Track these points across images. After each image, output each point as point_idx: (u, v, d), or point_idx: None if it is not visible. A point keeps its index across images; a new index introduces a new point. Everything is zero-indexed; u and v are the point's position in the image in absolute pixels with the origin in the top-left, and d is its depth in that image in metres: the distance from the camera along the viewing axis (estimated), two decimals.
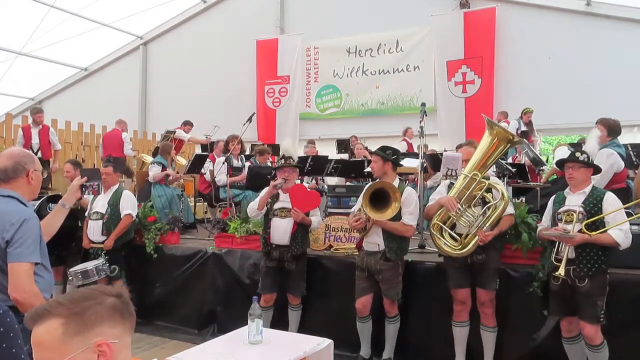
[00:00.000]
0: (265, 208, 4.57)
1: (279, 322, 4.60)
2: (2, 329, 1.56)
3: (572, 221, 3.48)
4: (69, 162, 5.86)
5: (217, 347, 3.10)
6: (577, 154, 3.60)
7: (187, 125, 9.67)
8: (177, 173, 7.56)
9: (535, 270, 3.94)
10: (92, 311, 1.17)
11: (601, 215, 3.41)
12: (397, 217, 4.03)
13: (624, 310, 3.72)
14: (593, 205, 3.43)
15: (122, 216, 5.30)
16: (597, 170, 3.76)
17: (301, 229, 4.55)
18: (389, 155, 4.16)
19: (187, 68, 13.44)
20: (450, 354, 4.13)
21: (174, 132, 9.35)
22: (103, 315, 1.18)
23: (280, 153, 5.34)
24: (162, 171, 6.99)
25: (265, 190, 4.60)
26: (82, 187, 2.87)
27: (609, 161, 4.94)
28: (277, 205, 4.56)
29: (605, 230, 3.38)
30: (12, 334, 1.58)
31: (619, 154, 5.18)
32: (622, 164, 5.22)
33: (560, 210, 3.57)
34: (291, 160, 4.70)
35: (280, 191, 4.60)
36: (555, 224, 3.59)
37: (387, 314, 4.23)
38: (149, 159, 8.30)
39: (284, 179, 4.55)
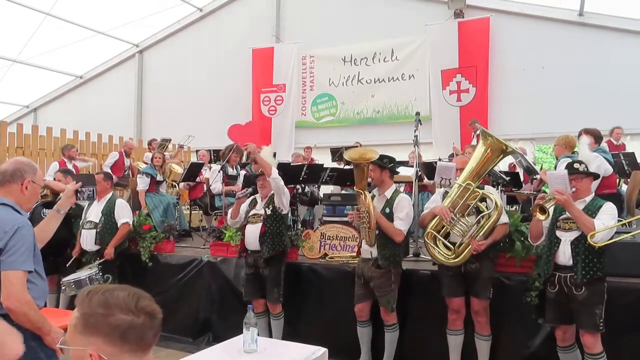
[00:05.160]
0: (243, 216, 4.70)
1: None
2: None
3: (571, 229, 3.50)
4: (60, 171, 5.86)
5: (212, 356, 3.09)
6: (576, 165, 3.60)
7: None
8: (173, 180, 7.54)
9: (530, 278, 3.95)
10: (94, 320, 1.20)
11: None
12: (390, 219, 4.11)
13: (621, 319, 3.73)
14: (591, 213, 3.44)
15: (119, 225, 5.30)
16: (596, 177, 3.80)
17: (270, 231, 4.56)
18: (386, 164, 4.21)
19: (183, 76, 13.47)
20: None
21: (170, 140, 9.34)
22: (101, 330, 1.20)
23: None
24: (151, 181, 6.96)
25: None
26: (77, 192, 2.88)
27: (596, 163, 5.04)
28: (251, 212, 4.67)
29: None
30: None
31: (606, 159, 5.30)
32: (610, 168, 5.33)
33: (560, 217, 3.59)
34: None
35: (259, 199, 4.70)
36: (554, 231, 3.61)
37: (384, 323, 4.24)
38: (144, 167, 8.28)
39: (252, 188, 4.70)
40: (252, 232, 4.60)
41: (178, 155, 9.94)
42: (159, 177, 7.17)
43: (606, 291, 3.45)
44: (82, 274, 4.93)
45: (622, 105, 9.15)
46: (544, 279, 3.64)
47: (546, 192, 3.97)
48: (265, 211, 4.58)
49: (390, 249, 4.11)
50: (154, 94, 14.14)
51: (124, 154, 8.43)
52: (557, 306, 3.55)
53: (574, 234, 3.47)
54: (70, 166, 7.89)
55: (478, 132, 8.49)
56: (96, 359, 1.19)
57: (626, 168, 5.97)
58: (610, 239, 3.35)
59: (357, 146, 9.47)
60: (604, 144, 6.94)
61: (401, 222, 4.10)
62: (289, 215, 5.04)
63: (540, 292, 3.78)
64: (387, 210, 4.14)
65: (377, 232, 4.07)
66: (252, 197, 4.79)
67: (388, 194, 4.23)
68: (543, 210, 3.49)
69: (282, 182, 4.61)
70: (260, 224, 4.56)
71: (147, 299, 1.28)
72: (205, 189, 7.50)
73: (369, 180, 4.19)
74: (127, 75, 14.49)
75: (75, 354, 1.22)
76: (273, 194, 4.63)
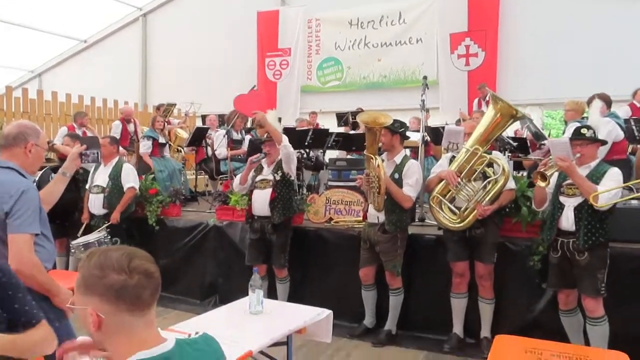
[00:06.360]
0: (250, 182, 4.64)
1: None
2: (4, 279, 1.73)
3: (574, 195, 3.47)
4: (68, 135, 5.83)
5: (219, 317, 3.13)
6: (584, 131, 3.53)
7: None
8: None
9: (535, 243, 3.94)
10: (91, 281, 1.25)
11: (601, 192, 3.36)
12: (399, 185, 4.08)
13: (626, 284, 3.73)
14: (596, 179, 3.40)
15: (125, 189, 5.31)
16: (603, 143, 3.75)
17: (280, 197, 4.54)
18: (397, 128, 4.15)
19: (187, 40, 13.26)
20: (449, 325, 4.18)
21: (175, 104, 9.26)
22: (96, 289, 1.24)
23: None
24: (153, 143, 7.03)
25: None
26: (82, 155, 2.85)
27: (607, 128, 4.98)
28: (259, 178, 4.61)
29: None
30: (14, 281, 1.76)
31: (618, 124, 5.21)
32: (621, 133, 5.27)
33: (564, 183, 3.55)
34: None
35: (265, 164, 4.64)
36: (557, 197, 3.57)
37: (389, 286, 4.28)
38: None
39: (264, 153, 4.60)
40: (261, 198, 4.56)
41: (186, 121, 9.91)
42: (161, 140, 7.18)
43: (609, 256, 3.45)
44: (91, 237, 4.97)
45: (633, 71, 8.93)
46: (547, 244, 3.64)
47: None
48: (275, 177, 4.55)
49: (397, 214, 4.10)
50: (159, 58, 13.98)
51: (125, 122, 8.28)
52: (559, 271, 3.56)
53: (577, 200, 3.45)
54: (79, 132, 7.88)
55: (487, 97, 8.37)
56: (94, 317, 1.23)
57: (636, 134, 5.85)
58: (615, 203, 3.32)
59: (360, 111, 9.41)
60: (626, 107, 6.81)
61: (411, 189, 4.08)
62: (295, 180, 5.02)
63: (543, 257, 3.78)
64: (396, 175, 4.11)
65: (385, 197, 4.05)
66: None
67: (398, 159, 4.19)
68: (544, 177, 3.47)
69: (292, 149, 4.59)
70: (270, 190, 4.52)
71: (141, 258, 1.29)
72: (205, 151, 7.49)
73: (379, 144, 4.14)
74: (131, 39, 14.29)
75: (80, 313, 1.27)
76: (280, 160, 4.59)
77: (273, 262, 4.64)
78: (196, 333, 1.44)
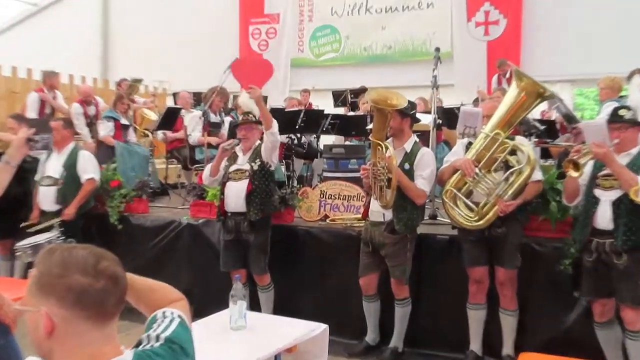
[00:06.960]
0: (222, 172, 4.60)
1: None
2: None
3: (612, 187, 3.46)
4: (12, 116, 5.76)
5: (195, 334, 3.10)
6: (622, 112, 3.54)
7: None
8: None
9: (566, 244, 3.95)
10: (50, 280, 1.24)
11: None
12: (410, 177, 4.07)
13: None
14: (637, 168, 3.40)
15: (82, 181, 5.29)
16: None
17: (258, 190, 4.51)
18: (408, 110, 4.12)
19: (157, 3, 13.13)
20: (465, 341, 4.19)
21: (141, 80, 9.18)
22: (54, 290, 1.23)
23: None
24: (115, 126, 7.04)
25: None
26: (30, 140, 2.80)
27: None
28: (232, 168, 4.57)
29: None
30: None
31: None
32: None
33: (599, 174, 3.55)
34: (250, 116, 4.63)
35: (240, 152, 4.62)
36: (592, 190, 3.57)
37: (395, 296, 4.28)
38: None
39: (238, 139, 4.58)
40: (236, 191, 4.51)
41: (154, 101, 9.84)
42: (124, 121, 7.19)
43: None
44: (40, 237, 4.91)
45: None
46: (580, 245, 3.64)
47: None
48: (252, 166, 4.51)
49: (408, 211, 4.08)
50: (123, 26, 13.87)
51: (85, 104, 8.14)
52: (594, 277, 3.57)
53: (615, 193, 3.45)
54: (50, 97, 7.82)
55: (508, 74, 8.36)
56: (46, 321, 1.22)
57: None
58: None
59: (362, 89, 9.39)
60: None
61: (424, 182, 4.08)
62: (282, 170, 4.99)
63: (575, 260, 3.79)
64: (407, 166, 4.10)
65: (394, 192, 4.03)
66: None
67: (407, 146, 4.17)
68: (576, 167, 3.47)
69: (278, 137, 4.57)
70: (246, 181, 4.49)
71: (110, 261, 1.30)
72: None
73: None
74: (91, 2, 14.14)
75: (30, 316, 1.26)
76: (258, 147, 4.57)
77: (251, 267, 4.62)
78: (157, 339, 1.43)
